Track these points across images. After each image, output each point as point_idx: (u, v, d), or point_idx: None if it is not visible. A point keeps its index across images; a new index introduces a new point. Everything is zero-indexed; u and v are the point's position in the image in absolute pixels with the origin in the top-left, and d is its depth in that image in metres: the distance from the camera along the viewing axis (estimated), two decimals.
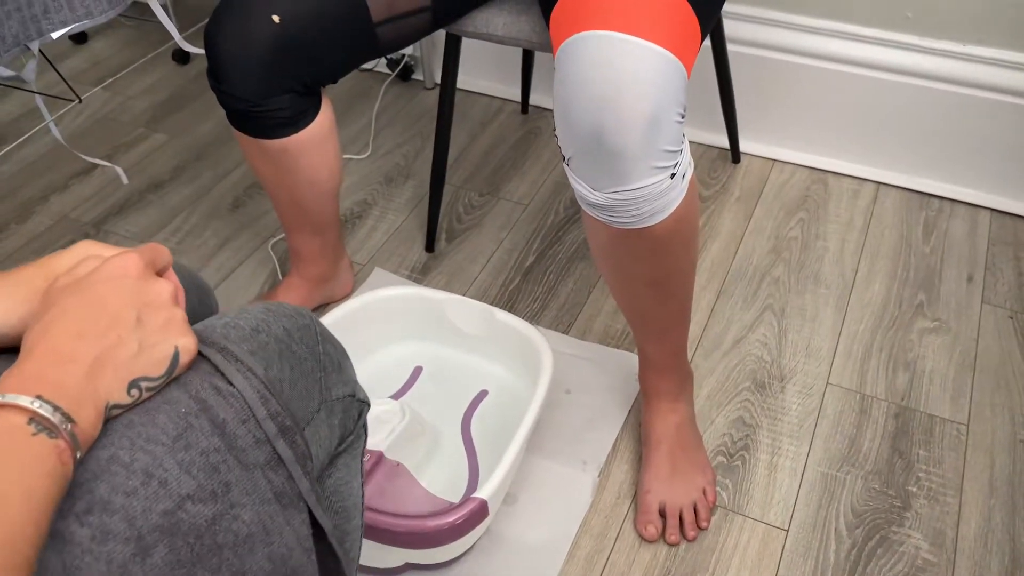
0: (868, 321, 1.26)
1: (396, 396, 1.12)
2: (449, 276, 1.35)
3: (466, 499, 0.89)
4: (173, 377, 0.50)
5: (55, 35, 0.85)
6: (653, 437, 1.04)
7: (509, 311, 1.19)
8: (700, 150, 1.58)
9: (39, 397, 0.43)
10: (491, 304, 1.19)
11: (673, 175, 0.75)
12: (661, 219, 0.77)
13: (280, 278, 1.36)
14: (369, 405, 0.66)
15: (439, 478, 1.01)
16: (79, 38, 1.92)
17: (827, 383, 1.17)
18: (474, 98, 1.74)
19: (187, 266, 0.68)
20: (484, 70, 1.72)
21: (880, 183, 1.50)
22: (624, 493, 1.05)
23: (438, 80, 1.78)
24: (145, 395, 0.49)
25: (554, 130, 0.78)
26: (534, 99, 1.70)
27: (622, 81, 0.70)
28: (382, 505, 0.93)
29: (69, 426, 0.44)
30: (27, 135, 1.68)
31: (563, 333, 1.25)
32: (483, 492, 0.89)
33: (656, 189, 0.75)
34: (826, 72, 1.45)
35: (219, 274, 1.37)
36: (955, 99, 1.38)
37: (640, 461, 1.07)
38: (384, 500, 0.94)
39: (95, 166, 1.59)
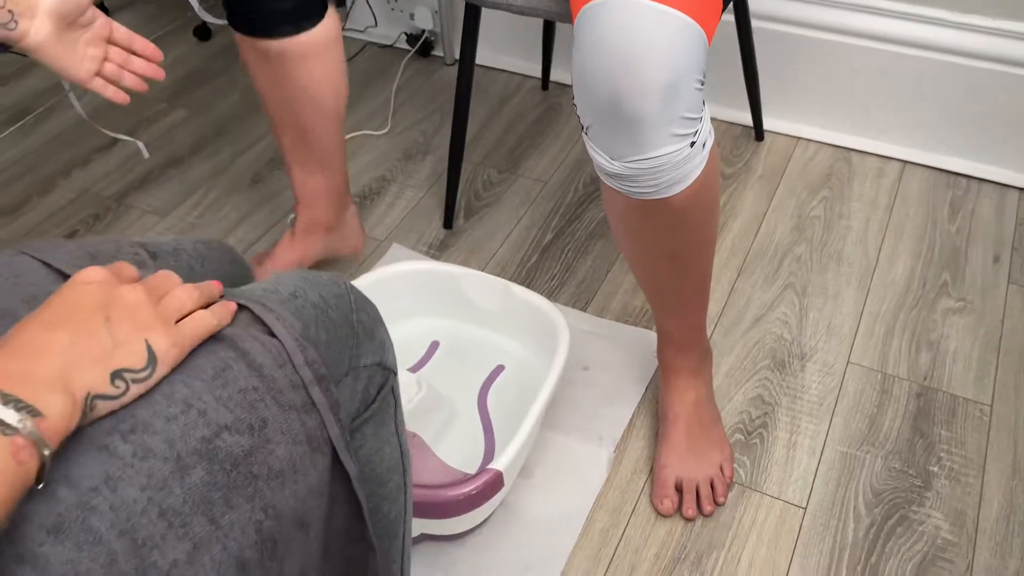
0: (891, 300, 1.24)
1: (413, 370, 1.12)
2: (467, 253, 1.35)
3: (482, 470, 0.89)
4: (160, 373, 0.50)
5: None
6: (670, 413, 1.03)
7: (527, 288, 1.18)
8: (723, 127, 1.56)
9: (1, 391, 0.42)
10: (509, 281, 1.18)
11: (693, 143, 0.74)
12: (680, 189, 0.76)
13: None
14: (395, 373, 0.67)
15: (455, 451, 1.01)
16: None
17: (848, 362, 1.16)
18: (494, 74, 1.72)
19: (214, 238, 0.70)
20: (504, 45, 1.71)
21: (906, 162, 1.47)
22: (640, 469, 1.05)
23: (458, 56, 1.77)
24: (133, 387, 0.48)
25: (573, 100, 0.77)
26: (554, 75, 1.68)
27: (640, 46, 0.69)
28: None
29: (31, 421, 0.42)
30: (46, 105, 1.69)
31: (581, 310, 1.24)
32: (498, 463, 0.89)
33: (675, 158, 0.73)
34: (852, 48, 1.42)
35: (238, 247, 1.37)
36: (985, 75, 1.35)
37: (657, 438, 1.06)
38: None
39: (116, 140, 1.60)
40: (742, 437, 1.08)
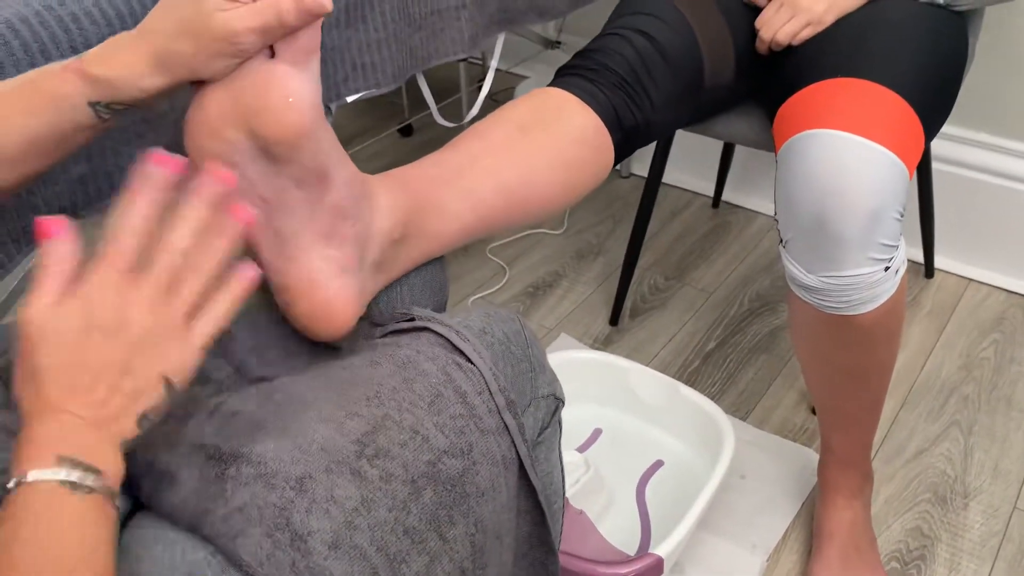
0: None
1: (580, 450, 1.19)
2: (630, 350, 1.42)
3: (644, 554, 0.94)
4: (181, 391, 0.50)
5: (349, 99, 1.02)
6: (825, 530, 1.05)
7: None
8: None
9: (61, 459, 0.44)
10: None
11: (887, 268, 0.80)
12: (870, 309, 0.82)
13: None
14: (563, 402, 0.73)
15: (613, 533, 1.07)
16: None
17: (1014, 507, 1.14)
18: (666, 189, 1.83)
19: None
20: (679, 163, 1.81)
21: None
22: None
23: (633, 171, 1.90)
24: (154, 418, 0.49)
25: (775, 215, 0.85)
26: (727, 195, 1.77)
27: (849, 175, 0.76)
28: (563, 545, 0.99)
29: (95, 477, 0.44)
30: None
31: (741, 419, 1.28)
32: (661, 550, 0.94)
33: (870, 279, 0.79)
34: None
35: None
36: None
37: (810, 554, 1.07)
38: (565, 541, 1.00)
39: None
40: (898, 566, 1.08)
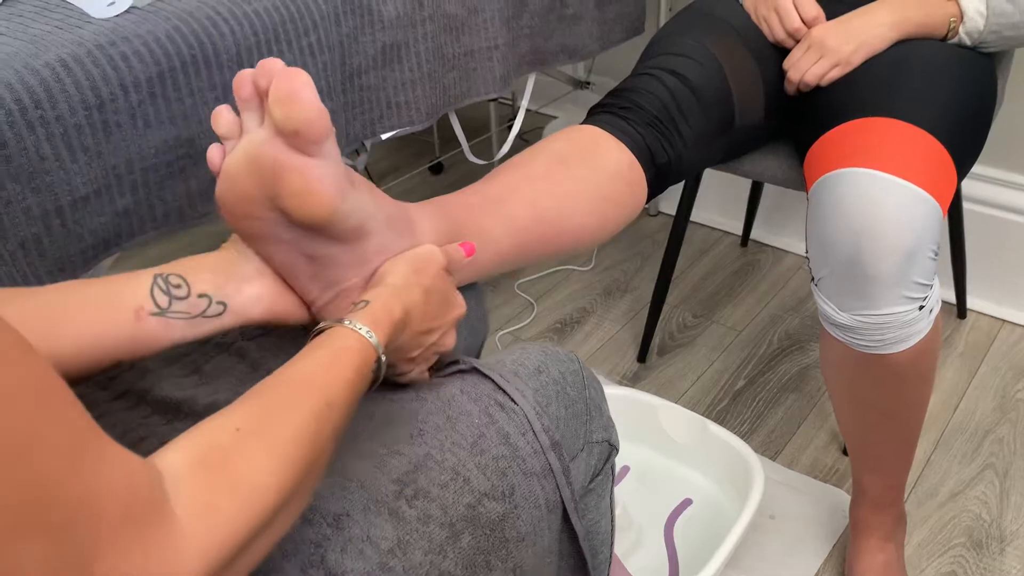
0: None
1: None
2: (658, 388, 1.42)
3: None
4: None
5: (384, 136, 1.05)
6: (857, 573, 1.03)
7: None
8: None
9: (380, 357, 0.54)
10: None
11: (921, 307, 0.80)
12: (903, 348, 0.81)
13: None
14: (618, 449, 0.71)
15: (641, 572, 1.06)
16: None
17: None
18: (695, 227, 1.84)
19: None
20: (708, 202, 1.82)
21: None
22: None
23: (661, 209, 1.91)
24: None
25: (806, 252, 0.85)
26: (755, 234, 1.77)
27: (883, 214, 0.77)
28: None
29: (381, 371, 0.54)
30: None
31: (770, 459, 1.27)
32: None
33: (903, 318, 0.79)
34: None
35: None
36: None
37: None
38: None
39: None
40: None
